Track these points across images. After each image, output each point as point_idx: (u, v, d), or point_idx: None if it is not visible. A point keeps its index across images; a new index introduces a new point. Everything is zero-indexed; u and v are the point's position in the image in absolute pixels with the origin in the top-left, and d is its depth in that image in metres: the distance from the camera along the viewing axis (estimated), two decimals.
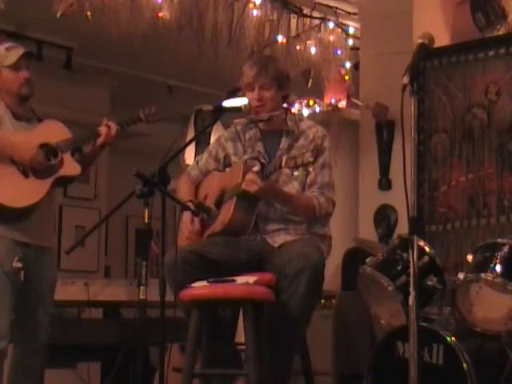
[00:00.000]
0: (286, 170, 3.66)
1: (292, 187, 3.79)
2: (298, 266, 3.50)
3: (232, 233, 3.74)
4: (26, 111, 4.08)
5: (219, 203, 3.85)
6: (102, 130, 4.05)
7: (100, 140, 4.07)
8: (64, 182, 4.09)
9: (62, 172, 3.97)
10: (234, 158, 3.94)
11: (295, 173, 3.58)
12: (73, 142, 4.04)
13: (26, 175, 3.90)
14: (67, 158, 4.00)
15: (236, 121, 3.96)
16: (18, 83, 4.00)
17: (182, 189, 4.06)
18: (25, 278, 3.86)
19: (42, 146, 3.94)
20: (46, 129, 4.05)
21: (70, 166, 4.00)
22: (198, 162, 4.10)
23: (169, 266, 3.51)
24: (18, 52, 4.01)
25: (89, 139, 4.08)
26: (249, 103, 3.83)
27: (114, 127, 4.07)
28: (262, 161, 3.78)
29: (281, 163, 3.49)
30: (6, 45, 4.09)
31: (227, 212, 3.72)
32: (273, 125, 3.87)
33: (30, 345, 3.97)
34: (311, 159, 3.42)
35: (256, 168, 3.69)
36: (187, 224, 3.86)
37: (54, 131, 4.05)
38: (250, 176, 3.60)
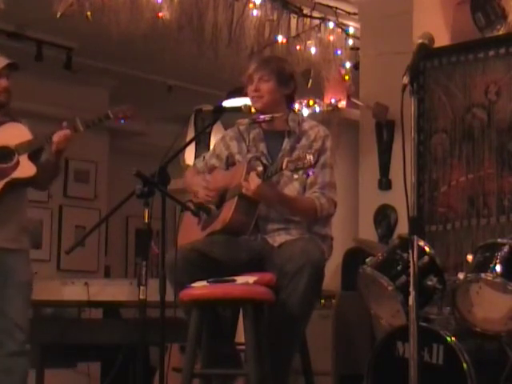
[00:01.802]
0: (287, 172, 3.66)
1: (293, 188, 3.79)
2: (299, 263, 3.51)
3: (232, 232, 3.74)
4: (1, 116, 4.11)
5: (221, 202, 3.85)
6: (55, 137, 4.02)
7: (52, 148, 4.05)
8: (20, 184, 4.07)
9: (16, 174, 4.01)
10: (238, 157, 3.95)
11: (295, 175, 3.58)
12: (32, 144, 4.05)
13: None
14: (23, 160, 4.02)
15: (239, 120, 3.98)
16: None
17: (192, 180, 4.05)
18: None
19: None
20: (6, 132, 4.09)
21: (25, 168, 4.02)
22: (204, 157, 4.13)
23: (170, 266, 3.51)
24: (1, 61, 4.08)
25: (47, 141, 4.05)
26: (249, 105, 3.84)
27: (60, 136, 4.02)
28: (264, 162, 3.78)
29: (282, 165, 3.49)
30: None
31: (228, 211, 3.72)
32: (275, 125, 3.87)
33: (7, 345, 3.97)
34: (312, 162, 3.42)
35: (260, 168, 3.70)
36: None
37: (15, 134, 4.08)
38: (251, 175, 3.60)
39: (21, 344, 3.99)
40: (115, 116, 4.12)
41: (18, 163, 4.01)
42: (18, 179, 4.03)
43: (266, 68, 3.84)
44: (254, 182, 3.58)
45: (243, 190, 3.63)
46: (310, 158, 3.39)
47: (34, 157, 4.07)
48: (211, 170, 4.05)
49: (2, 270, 4.00)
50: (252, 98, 3.86)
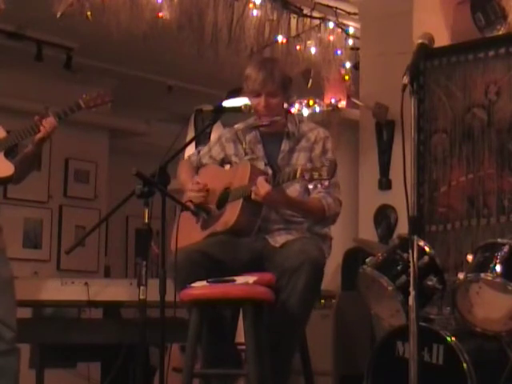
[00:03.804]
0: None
1: (293, 189, 3.78)
2: (297, 261, 3.51)
3: (235, 234, 3.74)
4: None
5: (222, 201, 3.84)
6: (41, 127, 3.91)
7: (38, 136, 3.93)
8: None
9: None
10: (234, 159, 3.95)
11: (310, 186, 3.54)
12: (7, 141, 3.95)
13: None
14: (0, 158, 3.91)
15: (237, 126, 3.96)
16: None
17: (184, 175, 4.05)
18: None
19: None
20: None
21: (2, 167, 3.92)
22: (199, 152, 4.11)
23: (172, 266, 3.51)
24: None
25: (24, 135, 3.94)
26: (251, 105, 3.81)
27: (50, 122, 3.93)
28: (265, 162, 3.78)
29: (295, 174, 3.45)
30: None
31: (233, 214, 3.71)
32: (273, 127, 3.86)
33: None
34: (328, 176, 3.37)
35: (269, 172, 3.69)
36: None
37: None
38: (260, 180, 3.58)
39: (10, 342, 3.90)
40: (87, 106, 4.06)
41: None
42: None
43: (272, 83, 3.75)
44: (264, 187, 3.56)
45: (252, 196, 3.61)
46: (325, 169, 3.36)
47: (8, 154, 3.95)
48: (206, 166, 4.05)
49: None
50: (262, 114, 3.82)
